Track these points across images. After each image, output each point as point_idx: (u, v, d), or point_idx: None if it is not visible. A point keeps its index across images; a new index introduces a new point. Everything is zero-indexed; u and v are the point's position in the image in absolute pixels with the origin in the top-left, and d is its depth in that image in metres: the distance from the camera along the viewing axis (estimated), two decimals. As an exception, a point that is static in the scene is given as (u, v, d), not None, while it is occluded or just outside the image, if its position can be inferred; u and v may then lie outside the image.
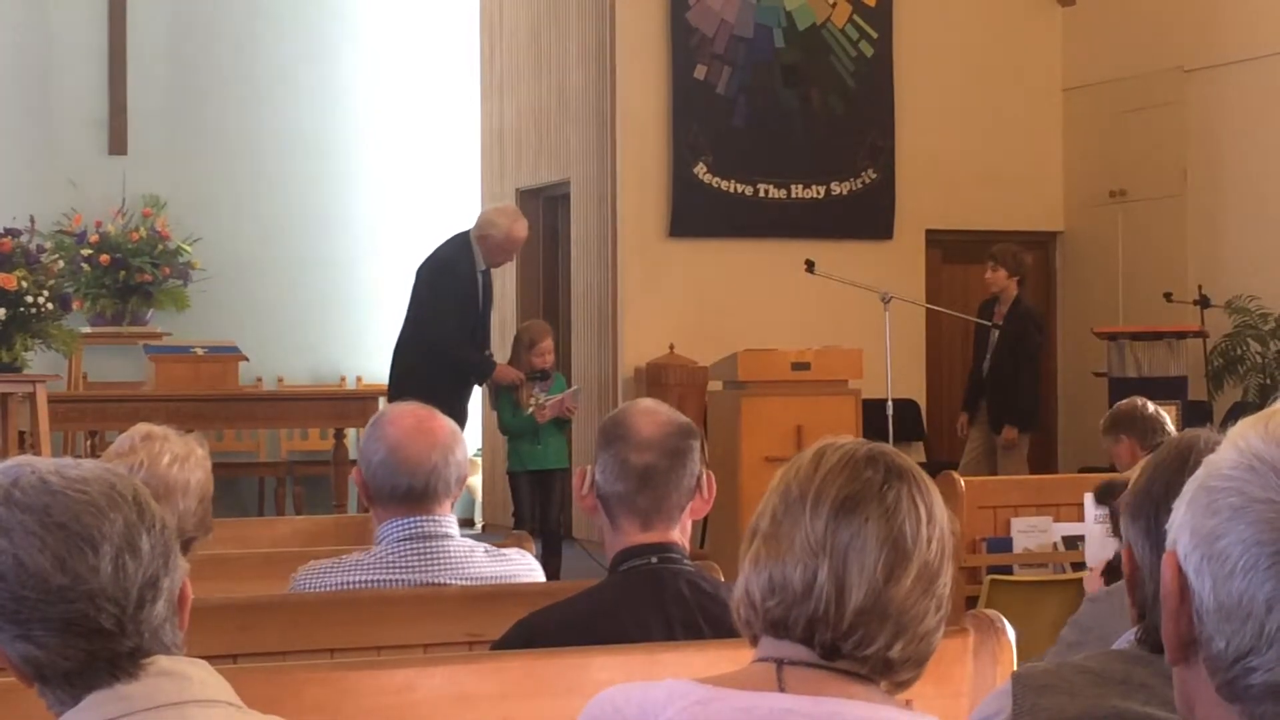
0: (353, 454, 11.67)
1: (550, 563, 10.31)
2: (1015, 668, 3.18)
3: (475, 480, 15.40)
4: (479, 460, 15.22)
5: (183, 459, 4.15)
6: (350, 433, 12.86)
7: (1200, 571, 1.53)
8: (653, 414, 3.78)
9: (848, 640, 2.44)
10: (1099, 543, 7.05)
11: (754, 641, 2.53)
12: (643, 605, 3.56)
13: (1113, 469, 7.71)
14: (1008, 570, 8.27)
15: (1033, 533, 8.35)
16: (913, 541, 2.46)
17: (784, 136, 14.16)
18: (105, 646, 2.26)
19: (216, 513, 4.41)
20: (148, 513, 2.32)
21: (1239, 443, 1.53)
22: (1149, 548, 2.58)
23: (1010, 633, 3.53)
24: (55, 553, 2.24)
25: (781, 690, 2.45)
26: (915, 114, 14.52)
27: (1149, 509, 2.57)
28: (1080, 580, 7.94)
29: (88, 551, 2.25)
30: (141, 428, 4.21)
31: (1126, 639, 2.85)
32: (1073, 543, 8.17)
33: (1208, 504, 1.53)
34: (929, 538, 2.48)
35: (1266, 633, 1.48)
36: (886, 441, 12.39)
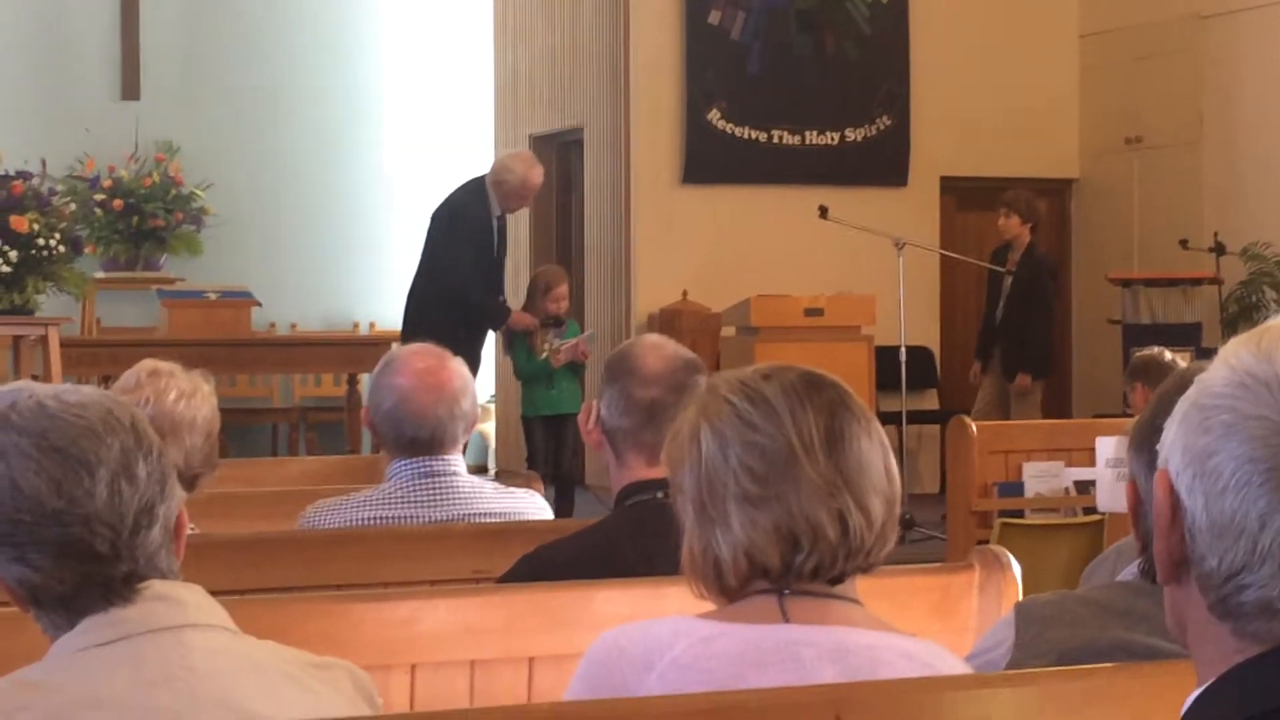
0: (365, 400, 11.69)
1: (562, 508, 10.34)
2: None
3: (489, 426, 15.42)
4: (492, 406, 15.23)
5: (189, 395, 4.16)
6: (363, 378, 12.87)
7: (1192, 490, 1.52)
8: (659, 349, 3.78)
9: (872, 555, 2.46)
10: (1110, 488, 7.05)
11: (742, 585, 2.50)
12: (648, 539, 3.56)
13: (1128, 415, 7.70)
14: (1019, 515, 8.27)
15: (1045, 478, 8.35)
16: (881, 435, 2.51)
17: (799, 83, 14.12)
18: (100, 571, 2.27)
19: (226, 458, 4.41)
20: (144, 439, 2.33)
21: (1230, 360, 1.52)
22: (1152, 480, 2.58)
23: (1016, 568, 3.54)
24: (51, 476, 2.25)
25: (786, 621, 2.45)
26: (931, 60, 14.47)
27: (1152, 441, 2.57)
28: (1091, 524, 7.95)
29: (84, 475, 2.25)
30: (147, 364, 4.21)
31: (1130, 571, 2.86)
32: (1085, 488, 8.17)
33: (1199, 422, 1.52)
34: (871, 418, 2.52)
35: (1259, 549, 1.48)
36: (900, 389, 12.38)
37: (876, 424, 2.52)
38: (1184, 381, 2.67)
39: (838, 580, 2.47)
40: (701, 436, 2.48)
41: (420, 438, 4.32)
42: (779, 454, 2.43)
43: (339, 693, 2.37)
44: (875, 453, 2.47)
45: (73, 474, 2.25)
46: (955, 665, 2.53)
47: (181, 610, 2.30)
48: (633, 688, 2.41)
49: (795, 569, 2.43)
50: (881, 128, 14.43)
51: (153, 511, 2.31)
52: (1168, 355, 7.50)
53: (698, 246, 13.88)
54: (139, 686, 2.21)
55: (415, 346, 4.54)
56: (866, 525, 2.44)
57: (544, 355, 10.87)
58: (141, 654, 2.25)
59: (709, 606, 2.54)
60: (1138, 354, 7.73)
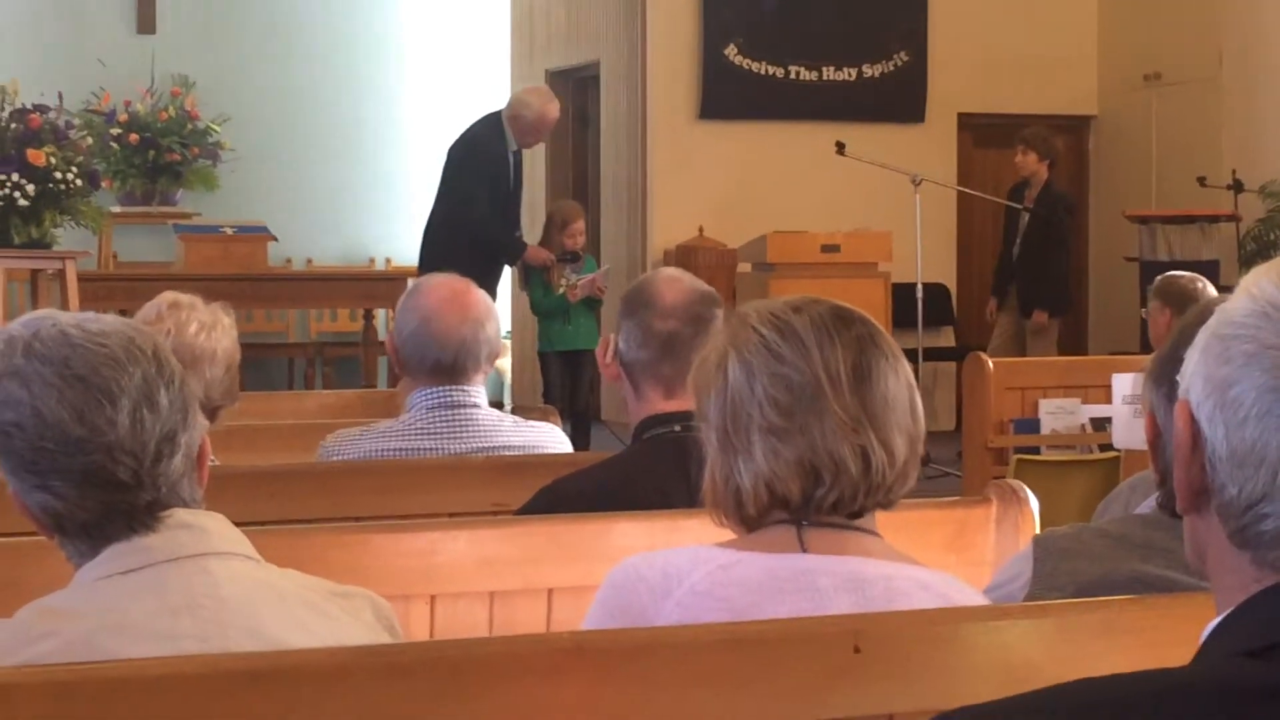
0: (382, 335, 11.74)
1: (579, 444, 10.34)
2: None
3: (505, 362, 15.43)
4: (508, 342, 15.24)
5: (209, 327, 4.17)
6: (380, 314, 12.89)
7: (1213, 419, 1.52)
8: (676, 281, 3.78)
9: (893, 491, 2.47)
10: (1127, 424, 7.05)
11: (762, 515, 2.51)
12: (666, 473, 3.57)
13: (1145, 343, 7.65)
14: (1035, 451, 8.27)
15: (1061, 414, 8.34)
16: (907, 373, 2.50)
17: (816, 18, 14.07)
18: (122, 499, 2.29)
19: (244, 390, 4.42)
20: (166, 368, 2.34)
21: (1252, 289, 1.53)
22: (1171, 412, 2.58)
23: (1033, 502, 3.54)
24: (73, 404, 2.26)
25: (804, 550, 2.46)
26: (949, -5, 14.43)
27: (1172, 373, 2.57)
28: (1107, 461, 7.96)
29: (105, 404, 2.27)
30: (168, 296, 4.22)
31: (1148, 505, 2.87)
32: (1101, 425, 8.16)
33: (1221, 352, 1.52)
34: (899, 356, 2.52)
35: (1280, 479, 1.49)
36: (916, 326, 12.40)
37: (904, 362, 2.52)
38: (1205, 313, 2.67)
39: (857, 515, 2.48)
40: (729, 366, 2.48)
41: (444, 361, 4.33)
42: (805, 387, 2.44)
43: (360, 621, 2.39)
44: (901, 390, 2.48)
45: (95, 402, 2.26)
46: (972, 597, 2.54)
47: (205, 538, 2.32)
48: (651, 614, 2.43)
49: (815, 502, 2.44)
50: (899, 64, 14.39)
51: (175, 440, 2.32)
52: (1201, 284, 7.44)
53: (714, 182, 13.86)
54: (163, 614, 2.23)
55: (440, 275, 4.55)
56: (889, 462, 2.44)
57: (560, 290, 10.87)
58: (165, 581, 2.26)
59: (728, 538, 2.55)
60: (1170, 276, 7.67)
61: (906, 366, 2.52)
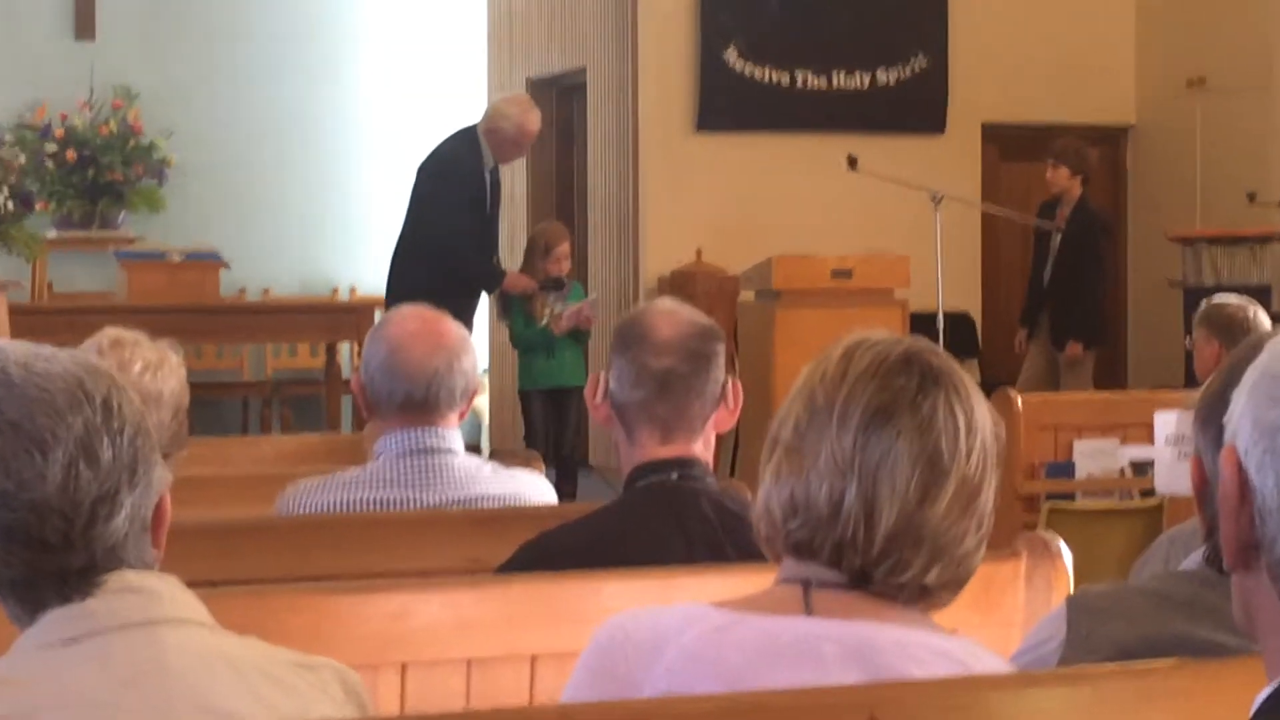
0: (346, 373, 11.73)
1: (564, 491, 10.34)
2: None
3: (482, 401, 15.42)
4: (486, 379, 15.24)
5: (155, 366, 4.17)
6: (343, 348, 12.90)
7: (1263, 467, 1.53)
8: (673, 314, 3.79)
9: (879, 566, 2.46)
10: (1171, 468, 7.05)
11: (777, 559, 2.55)
12: (661, 525, 3.58)
13: (1190, 377, 7.64)
14: (1069, 498, 8.27)
15: (1097, 456, 8.35)
16: (950, 457, 2.47)
17: (825, 17, 14.09)
18: (50, 560, 2.26)
19: (194, 436, 4.42)
20: (116, 418, 2.31)
21: (1306, 325, 1.54)
22: (1218, 458, 2.59)
23: (1067, 556, 3.54)
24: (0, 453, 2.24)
25: (809, 614, 2.47)
26: (971, -7, 14.48)
27: (1219, 414, 2.58)
28: (1149, 508, 7.96)
29: (36, 455, 2.24)
30: (110, 332, 4.22)
31: (1194, 559, 2.87)
32: (1142, 468, 8.16)
33: (1272, 392, 1.53)
34: (968, 450, 2.48)
35: (1335, 533, 1.49)
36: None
37: (949, 444, 2.47)
38: (1255, 348, 2.68)
39: (864, 580, 2.48)
40: (799, 382, 2.55)
41: (415, 396, 4.34)
42: (819, 414, 2.47)
43: (327, 696, 2.38)
44: (912, 464, 2.47)
45: (24, 453, 2.24)
46: (997, 666, 2.55)
47: (155, 603, 2.30)
48: (639, 678, 2.44)
49: (787, 535, 2.47)
50: (917, 69, 14.41)
51: (115, 499, 2.29)
52: (1250, 312, 7.45)
53: (713, 201, 13.88)
54: (109, 686, 2.22)
55: (411, 306, 4.57)
56: (864, 524, 2.45)
57: (544, 322, 10.88)
58: (111, 651, 2.25)
59: (729, 598, 2.57)
60: (1217, 302, 7.68)
61: (959, 446, 2.47)
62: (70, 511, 2.25)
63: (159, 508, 2.37)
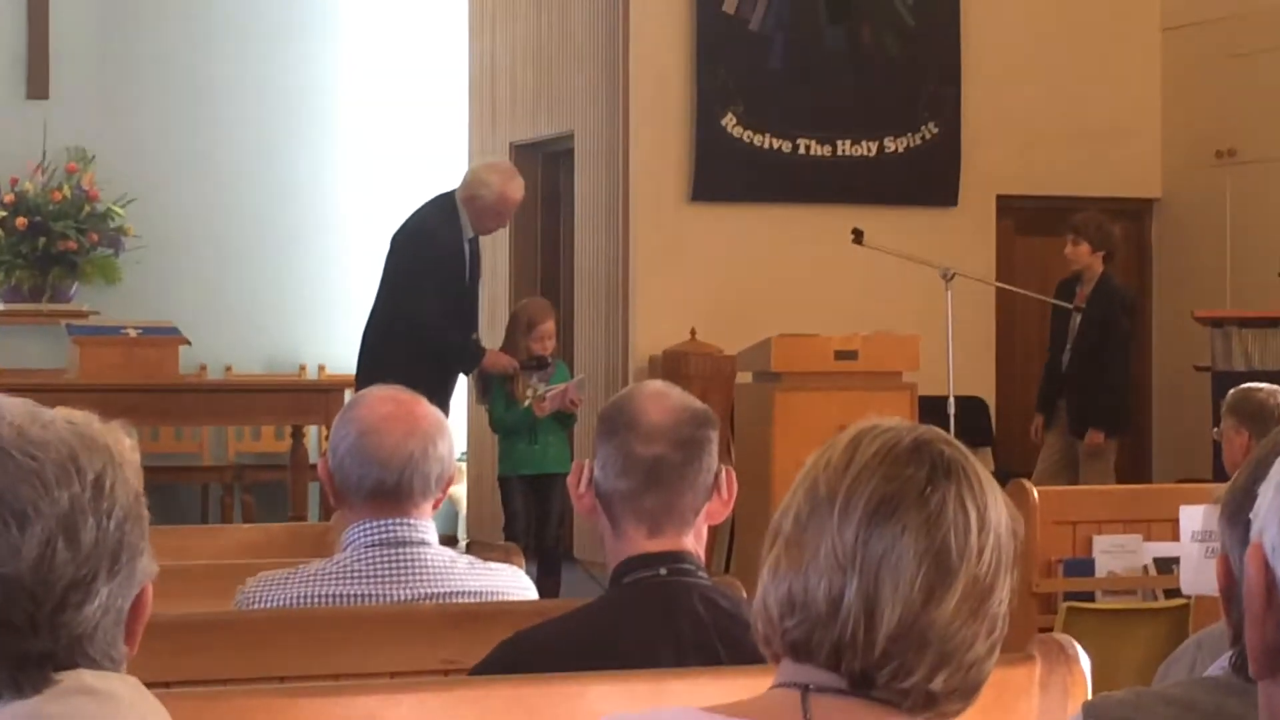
0: (313, 457, 11.72)
1: (547, 586, 10.32)
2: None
3: (459, 489, 15.40)
4: (464, 465, 15.22)
5: (108, 450, 4.16)
6: (311, 431, 12.88)
7: (1292, 567, 1.53)
8: (663, 397, 3.79)
9: (880, 670, 2.45)
10: (1197, 565, 7.05)
11: (775, 660, 2.55)
12: (649, 624, 3.58)
13: (1218, 468, 7.66)
14: (1089, 597, 8.27)
15: (1119, 553, 8.34)
16: (959, 555, 2.46)
17: (830, 81, 14.15)
18: (10, 642, 2.24)
19: (150, 524, 4.41)
20: (106, 497, 2.29)
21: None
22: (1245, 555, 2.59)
23: (1084, 661, 3.54)
24: None
25: (806, 720, 2.47)
26: (985, 57, 14.51)
27: (1247, 509, 2.58)
28: (1175, 609, 7.95)
29: (13, 528, 2.22)
30: (60, 412, 4.21)
31: (1221, 665, 2.87)
32: (1166, 566, 8.17)
33: (1300, 488, 1.54)
34: (979, 548, 2.47)
35: (1371, 640, 1.49)
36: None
37: (959, 540, 2.48)
38: (1284, 440, 2.69)
39: (865, 684, 2.47)
40: (803, 471, 2.54)
41: (386, 482, 4.34)
42: (821, 505, 2.47)
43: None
44: (917, 561, 2.47)
45: (1, 524, 2.22)
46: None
47: (113, 708, 2.28)
48: (627, 790, 2.44)
49: (784, 634, 2.47)
50: (927, 136, 14.46)
51: (90, 587, 2.27)
52: (1276, 393, 7.46)
53: (709, 276, 13.90)
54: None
55: (383, 387, 4.57)
56: (864, 623, 2.44)
57: (526, 404, 10.88)
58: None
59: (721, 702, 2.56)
60: (1246, 390, 7.70)
61: (969, 544, 2.46)
62: (41, 593, 2.23)
63: (139, 600, 2.34)
